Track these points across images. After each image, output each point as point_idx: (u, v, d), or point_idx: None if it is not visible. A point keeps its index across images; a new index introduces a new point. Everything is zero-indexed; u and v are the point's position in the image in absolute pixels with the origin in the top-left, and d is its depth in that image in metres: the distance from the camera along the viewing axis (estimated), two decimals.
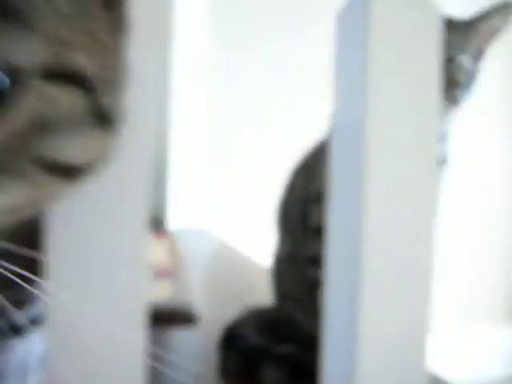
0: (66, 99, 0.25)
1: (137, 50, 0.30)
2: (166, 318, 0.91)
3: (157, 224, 1.96)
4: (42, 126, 0.25)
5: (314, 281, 0.66)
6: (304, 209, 0.69)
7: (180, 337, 0.89)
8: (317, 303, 0.63)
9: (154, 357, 0.39)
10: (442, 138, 0.67)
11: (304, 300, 0.70)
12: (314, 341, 0.56)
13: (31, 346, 0.43)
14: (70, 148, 0.26)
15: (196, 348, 0.83)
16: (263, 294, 0.84)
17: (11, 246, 0.29)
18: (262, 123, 2.09)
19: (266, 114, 2.09)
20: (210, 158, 2.04)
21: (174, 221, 1.98)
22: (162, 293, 1.02)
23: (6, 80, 0.23)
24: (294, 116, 2.07)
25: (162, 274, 1.20)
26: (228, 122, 2.07)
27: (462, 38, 0.65)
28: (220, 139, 2.06)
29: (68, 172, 0.27)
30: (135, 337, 0.38)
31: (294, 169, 0.77)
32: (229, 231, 2.01)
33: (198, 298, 1.01)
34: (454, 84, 0.64)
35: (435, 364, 0.53)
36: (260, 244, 1.44)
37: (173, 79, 1.95)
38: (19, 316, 0.41)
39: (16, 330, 0.43)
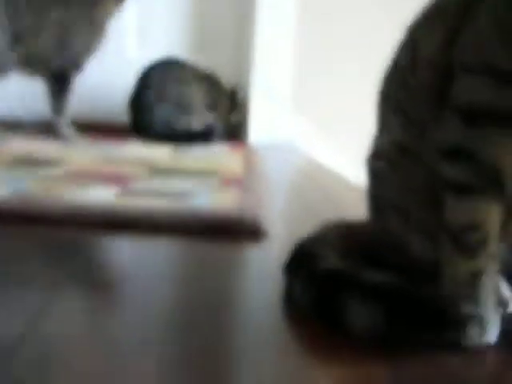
0: None
1: None
2: (230, 228, 0.73)
3: (235, 134, 1.81)
4: None
5: (448, 181, 0.44)
6: (438, 83, 0.46)
7: (244, 253, 0.70)
8: (443, 215, 0.41)
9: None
10: None
11: (422, 212, 0.48)
12: (427, 268, 0.35)
13: None
14: None
15: (261, 268, 0.64)
16: (355, 217, 0.63)
17: None
18: (350, 38, 1.83)
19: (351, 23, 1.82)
20: (296, 66, 1.84)
21: (256, 133, 1.82)
22: (229, 201, 0.84)
23: None
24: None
25: (231, 183, 1.02)
26: (316, 33, 1.84)
27: None
28: (308, 45, 1.84)
29: None
30: None
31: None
32: (318, 147, 1.82)
33: (271, 214, 0.81)
34: None
35: None
36: (354, 162, 1.22)
37: None
38: None
39: None
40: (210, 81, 1.80)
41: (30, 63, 1.51)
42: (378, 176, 0.54)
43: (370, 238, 0.54)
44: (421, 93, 0.49)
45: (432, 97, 0.48)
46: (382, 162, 0.53)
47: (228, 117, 1.81)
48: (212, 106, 1.77)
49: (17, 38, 1.46)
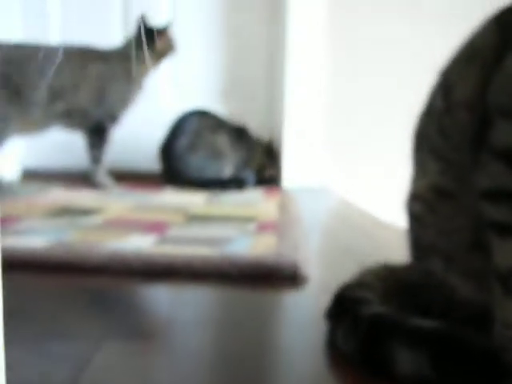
0: None
1: None
2: (269, 274, 0.73)
3: (270, 181, 1.83)
4: None
5: (492, 223, 0.43)
6: (475, 126, 0.46)
7: (284, 298, 0.70)
8: (489, 258, 0.40)
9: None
10: None
11: (464, 254, 0.47)
12: (476, 313, 0.34)
13: None
14: None
15: (301, 313, 0.63)
16: (395, 258, 0.62)
17: None
18: (379, 82, 1.84)
19: (384, 75, 1.84)
20: (328, 114, 1.85)
21: (290, 177, 1.83)
22: (266, 247, 0.83)
23: None
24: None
25: (268, 228, 1.01)
26: (346, 79, 1.86)
27: None
28: (339, 90, 1.86)
29: None
30: None
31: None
32: (351, 189, 1.82)
33: (309, 257, 0.80)
34: None
35: None
36: (389, 202, 1.21)
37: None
38: None
39: None
40: (242, 132, 1.83)
41: (70, 117, 1.57)
42: (417, 219, 0.53)
43: (412, 281, 0.53)
44: (457, 136, 0.48)
45: (469, 140, 0.47)
46: (419, 204, 0.52)
47: (263, 171, 1.83)
48: (245, 159, 1.79)
49: (57, 94, 1.52)
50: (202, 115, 1.76)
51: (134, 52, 1.62)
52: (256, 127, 1.92)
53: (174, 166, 1.70)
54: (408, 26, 1.85)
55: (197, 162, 1.69)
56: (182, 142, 1.70)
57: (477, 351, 0.40)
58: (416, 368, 0.42)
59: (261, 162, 1.83)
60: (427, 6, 1.84)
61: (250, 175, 1.72)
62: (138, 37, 1.64)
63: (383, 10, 1.85)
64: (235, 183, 1.66)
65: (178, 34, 1.70)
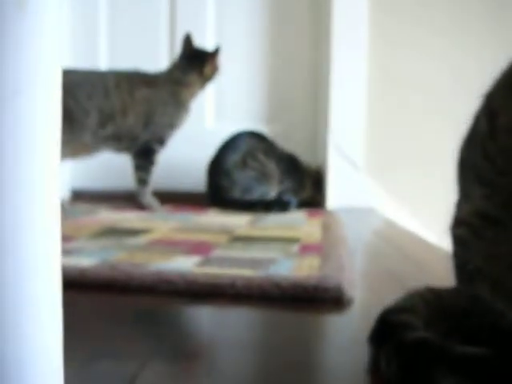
0: None
1: None
2: (312, 296, 0.72)
3: (313, 203, 1.83)
4: None
5: None
6: None
7: (327, 321, 0.69)
8: None
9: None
10: None
11: (510, 279, 0.46)
12: None
13: None
14: None
15: (344, 337, 0.62)
16: (440, 280, 0.61)
17: None
18: (423, 105, 1.82)
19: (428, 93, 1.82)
20: (372, 136, 1.85)
21: (333, 198, 1.83)
22: (310, 268, 0.83)
23: None
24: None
25: (312, 249, 1.01)
26: (389, 102, 1.85)
27: None
28: (381, 110, 1.85)
29: None
30: None
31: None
32: (396, 211, 1.80)
33: (353, 279, 0.80)
34: None
35: None
36: (434, 224, 1.19)
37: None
38: None
39: None
40: (292, 161, 1.83)
41: (118, 140, 1.61)
42: (462, 243, 0.52)
43: (458, 306, 0.52)
44: (503, 161, 0.48)
45: None
46: (464, 229, 0.52)
47: (310, 200, 1.83)
48: (296, 189, 1.79)
49: (107, 118, 1.57)
50: (256, 136, 1.77)
51: (180, 75, 1.66)
52: (299, 149, 1.92)
53: (221, 181, 1.70)
54: (452, 47, 1.83)
55: (244, 181, 1.70)
56: (233, 158, 1.71)
57: None
58: None
59: (310, 193, 1.83)
60: (473, 25, 1.82)
61: (292, 198, 1.72)
62: (184, 60, 1.67)
63: (424, 26, 1.84)
64: (279, 205, 1.66)
65: (222, 56, 1.73)
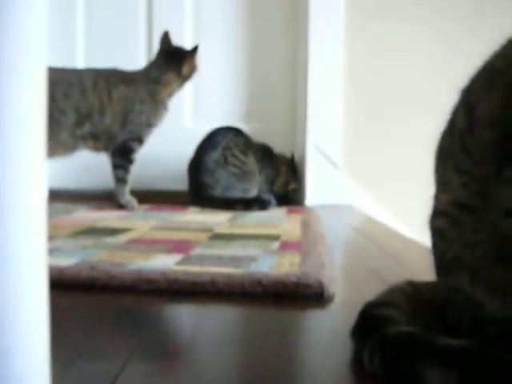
0: None
1: None
2: (293, 293, 0.73)
3: (291, 200, 1.84)
4: None
5: None
6: (498, 142, 0.46)
7: (308, 317, 0.69)
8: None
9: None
10: None
11: (490, 268, 0.47)
12: (506, 329, 0.33)
13: None
14: None
15: (326, 332, 0.63)
16: (419, 275, 0.61)
17: None
18: (403, 98, 1.84)
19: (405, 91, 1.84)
20: (350, 132, 1.86)
21: (312, 196, 1.84)
22: (290, 265, 0.83)
23: None
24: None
25: (292, 246, 1.01)
26: (369, 94, 1.87)
27: None
28: (358, 108, 1.86)
29: None
30: None
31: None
32: (374, 207, 1.81)
33: (333, 275, 0.80)
34: None
35: None
36: (413, 219, 1.20)
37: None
38: None
39: None
40: (266, 151, 1.84)
41: (96, 139, 1.59)
42: (440, 234, 0.53)
43: (438, 298, 0.53)
44: (480, 153, 0.48)
45: (492, 156, 0.47)
46: (442, 219, 0.52)
47: (286, 187, 1.85)
48: (271, 176, 1.81)
49: (84, 117, 1.55)
50: (232, 130, 1.77)
51: (158, 74, 1.64)
52: (278, 147, 1.92)
53: (203, 179, 1.69)
54: (433, 40, 1.85)
55: (226, 179, 1.69)
56: (213, 155, 1.70)
57: (507, 369, 0.40)
58: None
59: (285, 178, 1.85)
60: (450, 12, 1.84)
61: (271, 197, 1.73)
62: (162, 58, 1.66)
63: (405, 19, 1.86)
64: (258, 204, 1.66)
65: (200, 54, 1.72)
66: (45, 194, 0.30)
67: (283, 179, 1.84)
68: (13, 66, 0.26)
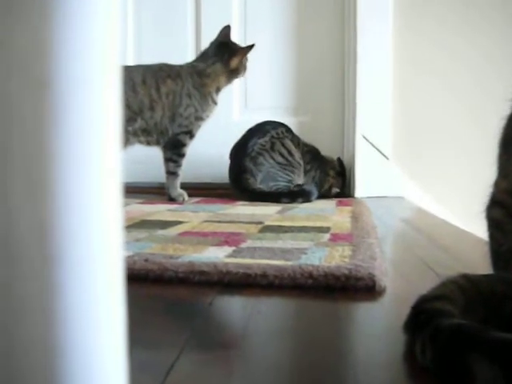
0: None
1: None
2: (345, 285, 0.72)
3: (343, 192, 1.83)
4: None
5: None
6: None
7: (360, 310, 0.69)
8: None
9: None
10: None
11: None
12: None
13: None
14: None
15: (378, 325, 0.62)
16: (472, 267, 0.60)
17: None
18: (454, 92, 1.79)
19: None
20: (400, 124, 1.83)
21: (363, 188, 1.82)
22: (342, 257, 0.83)
23: None
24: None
25: (342, 238, 1.01)
26: (417, 89, 1.83)
27: None
28: (408, 101, 1.83)
29: None
30: None
31: None
32: (425, 198, 1.78)
33: (384, 268, 0.79)
34: None
35: None
36: (466, 212, 1.18)
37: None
38: None
39: None
40: (316, 153, 1.82)
41: (147, 134, 1.62)
42: (497, 224, 0.52)
43: (495, 291, 0.51)
44: None
45: None
46: (499, 209, 0.51)
47: (330, 191, 1.82)
48: (320, 181, 1.78)
49: (135, 114, 1.58)
50: (285, 127, 1.76)
51: (204, 66, 1.65)
52: (327, 139, 1.91)
53: (245, 164, 1.66)
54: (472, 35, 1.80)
55: (269, 166, 1.67)
56: (260, 141, 1.67)
57: None
58: (495, 382, 0.41)
59: (331, 182, 1.82)
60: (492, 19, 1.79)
61: (314, 188, 1.70)
62: (213, 48, 1.67)
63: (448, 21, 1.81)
64: (303, 196, 1.64)
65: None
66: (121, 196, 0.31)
67: (330, 183, 1.81)
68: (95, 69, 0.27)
